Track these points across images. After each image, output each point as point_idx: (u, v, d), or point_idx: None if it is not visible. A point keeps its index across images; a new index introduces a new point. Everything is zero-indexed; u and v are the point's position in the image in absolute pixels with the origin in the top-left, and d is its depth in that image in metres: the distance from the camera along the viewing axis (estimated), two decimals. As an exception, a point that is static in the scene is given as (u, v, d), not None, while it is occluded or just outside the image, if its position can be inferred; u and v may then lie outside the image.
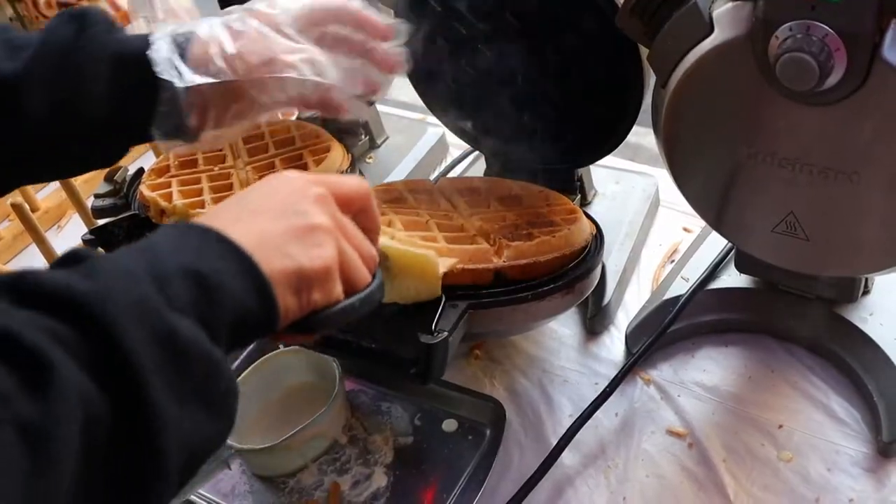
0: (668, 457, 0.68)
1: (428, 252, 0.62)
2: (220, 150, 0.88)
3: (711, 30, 0.56)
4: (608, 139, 0.76)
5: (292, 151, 0.87)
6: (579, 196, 0.84)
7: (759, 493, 0.64)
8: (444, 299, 0.62)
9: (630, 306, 0.80)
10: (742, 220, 0.64)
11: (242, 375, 0.75)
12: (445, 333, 0.59)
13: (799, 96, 0.53)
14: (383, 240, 0.60)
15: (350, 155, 0.87)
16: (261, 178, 0.81)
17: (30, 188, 1.05)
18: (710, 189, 0.64)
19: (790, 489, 0.64)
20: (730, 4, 0.55)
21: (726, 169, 0.61)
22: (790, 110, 0.55)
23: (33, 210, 1.01)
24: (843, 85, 0.51)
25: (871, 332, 0.69)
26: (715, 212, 0.65)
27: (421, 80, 0.84)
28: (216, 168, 0.86)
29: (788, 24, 0.51)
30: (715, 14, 0.56)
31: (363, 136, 1.02)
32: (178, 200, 0.80)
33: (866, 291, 0.72)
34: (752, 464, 0.66)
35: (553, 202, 0.76)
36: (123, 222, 0.83)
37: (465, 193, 0.79)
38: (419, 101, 0.87)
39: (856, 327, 0.70)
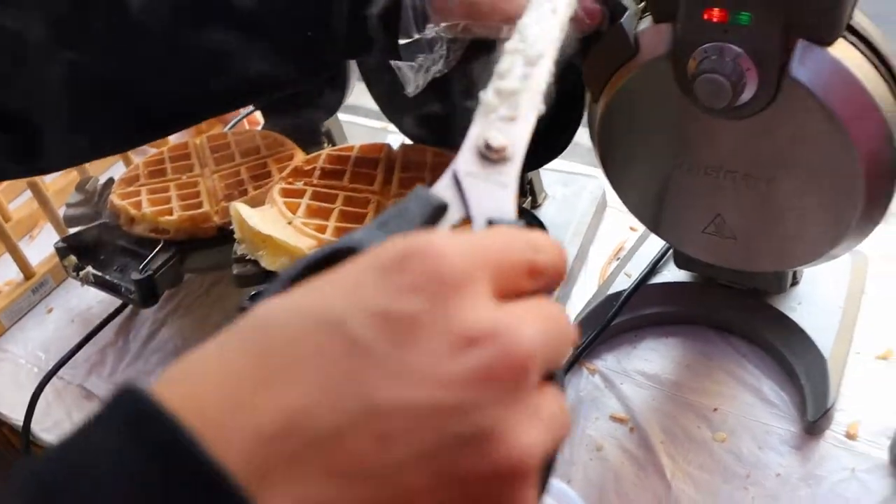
0: (611, 440, 0.73)
1: (303, 247, 0.69)
2: (188, 160, 0.92)
3: (636, 50, 0.60)
4: (554, 145, 0.81)
5: (258, 160, 0.91)
6: (530, 198, 0.89)
7: (695, 472, 0.69)
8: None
9: (577, 302, 0.85)
10: (676, 222, 0.69)
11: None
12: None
13: (717, 112, 0.57)
14: (272, 226, 0.71)
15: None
16: (226, 186, 0.86)
17: (1, 199, 1.08)
18: (644, 196, 0.68)
19: (723, 467, 0.69)
20: (652, 25, 0.59)
21: (657, 177, 0.66)
22: (710, 124, 0.59)
23: (5, 220, 1.03)
24: (756, 101, 0.56)
25: (799, 319, 0.74)
26: (651, 216, 0.70)
27: (378, 89, 0.88)
28: (184, 177, 0.90)
29: (704, 45, 0.55)
30: (640, 34, 0.60)
31: (326, 144, 1.00)
32: (147, 208, 0.84)
33: (795, 282, 0.77)
34: (689, 445, 0.71)
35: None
36: (94, 230, 0.87)
37: (410, 167, 0.83)
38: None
39: (785, 316, 0.75)
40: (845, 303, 0.76)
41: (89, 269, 0.84)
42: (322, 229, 0.74)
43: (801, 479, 0.68)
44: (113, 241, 0.86)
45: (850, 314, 0.76)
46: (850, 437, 0.70)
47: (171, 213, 0.83)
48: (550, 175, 0.94)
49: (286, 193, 0.79)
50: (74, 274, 0.85)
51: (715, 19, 0.54)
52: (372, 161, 0.84)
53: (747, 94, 0.55)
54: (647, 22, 0.60)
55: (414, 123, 0.89)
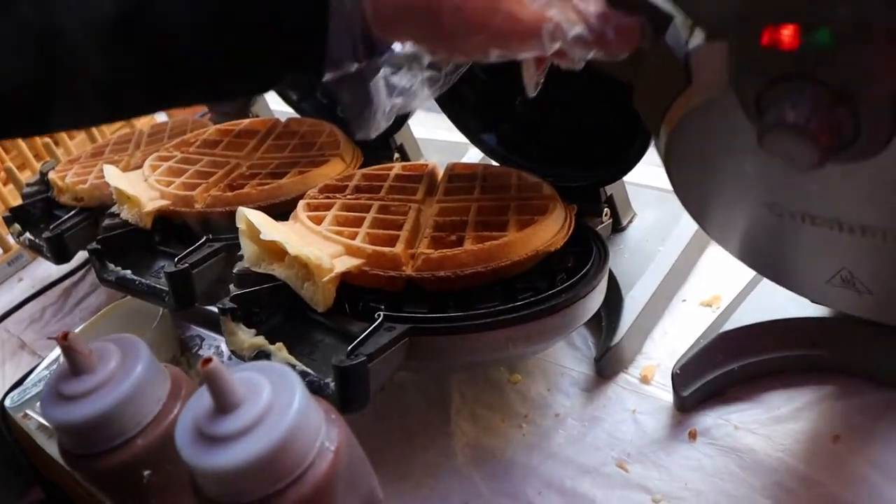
0: (412, 381, 0.73)
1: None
2: (127, 143, 1.03)
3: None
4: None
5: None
6: (610, 220, 0.73)
7: (480, 411, 0.69)
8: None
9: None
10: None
11: (92, 319, 0.87)
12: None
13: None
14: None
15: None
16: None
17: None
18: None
19: (507, 407, 0.68)
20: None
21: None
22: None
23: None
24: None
25: (616, 265, 0.70)
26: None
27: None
28: (115, 157, 1.01)
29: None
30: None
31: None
32: (69, 179, 0.95)
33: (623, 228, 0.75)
34: (484, 386, 0.71)
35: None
36: (38, 202, 1.00)
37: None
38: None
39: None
40: (666, 247, 0.73)
41: (27, 234, 0.97)
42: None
43: (578, 420, 0.66)
44: (48, 210, 0.98)
45: (669, 259, 0.72)
46: (644, 380, 0.67)
47: (84, 183, 0.93)
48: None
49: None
50: (17, 239, 0.98)
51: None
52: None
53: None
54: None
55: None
